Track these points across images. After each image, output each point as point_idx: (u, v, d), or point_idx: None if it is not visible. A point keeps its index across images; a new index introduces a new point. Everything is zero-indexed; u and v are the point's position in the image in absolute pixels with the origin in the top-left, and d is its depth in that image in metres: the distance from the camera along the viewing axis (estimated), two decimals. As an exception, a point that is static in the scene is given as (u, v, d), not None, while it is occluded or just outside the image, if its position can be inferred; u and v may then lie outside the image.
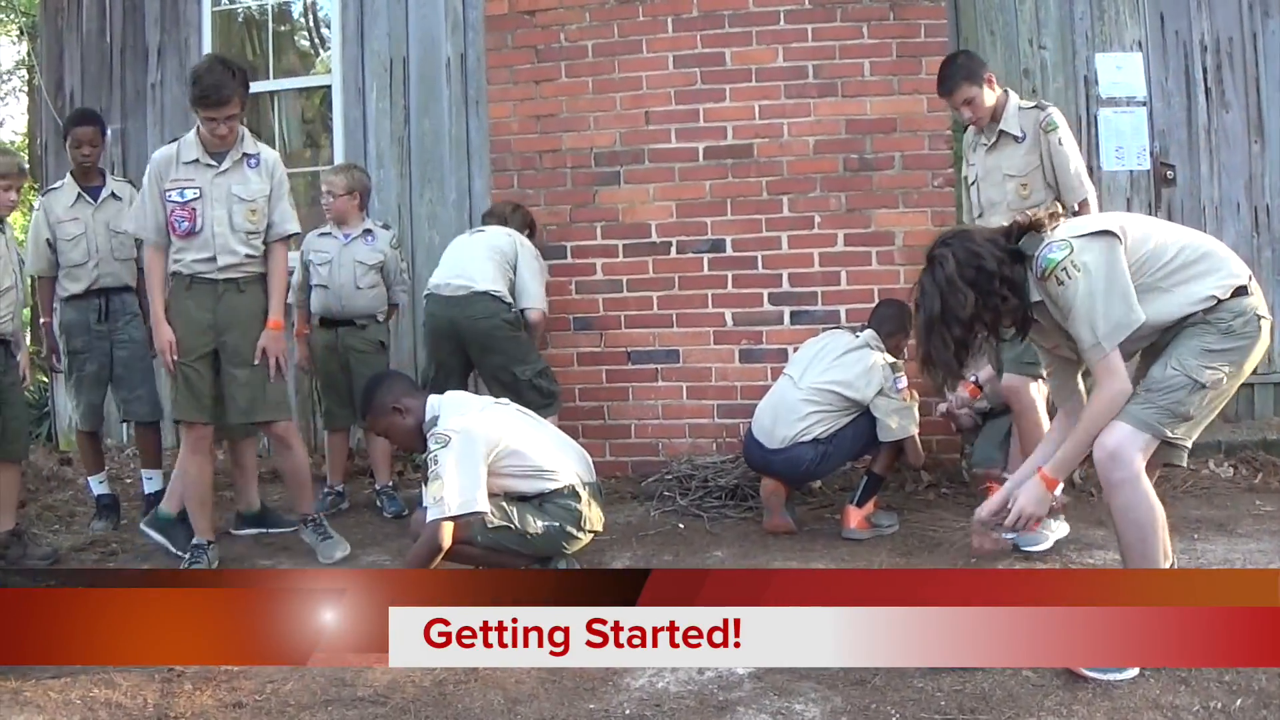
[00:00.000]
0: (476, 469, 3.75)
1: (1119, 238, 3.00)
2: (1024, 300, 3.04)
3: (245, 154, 4.35)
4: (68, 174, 5.28)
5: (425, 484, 3.76)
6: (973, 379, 4.82)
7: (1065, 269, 2.95)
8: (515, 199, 5.62)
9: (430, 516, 3.68)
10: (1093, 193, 4.33)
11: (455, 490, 3.68)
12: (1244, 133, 5.75)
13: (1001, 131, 4.33)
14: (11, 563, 4.56)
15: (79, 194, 5.17)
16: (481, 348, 5.05)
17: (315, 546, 4.57)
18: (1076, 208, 4.26)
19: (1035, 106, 4.36)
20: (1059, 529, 4.10)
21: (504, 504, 3.81)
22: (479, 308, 5.01)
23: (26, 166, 4.71)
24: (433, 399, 3.98)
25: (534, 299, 5.17)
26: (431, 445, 3.78)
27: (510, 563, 3.85)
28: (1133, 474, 2.97)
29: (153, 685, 3.30)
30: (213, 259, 4.29)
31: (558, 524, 3.86)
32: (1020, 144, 4.30)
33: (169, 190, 4.25)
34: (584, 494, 3.94)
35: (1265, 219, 5.74)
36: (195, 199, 4.23)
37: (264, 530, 5.01)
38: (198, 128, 4.28)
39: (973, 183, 4.48)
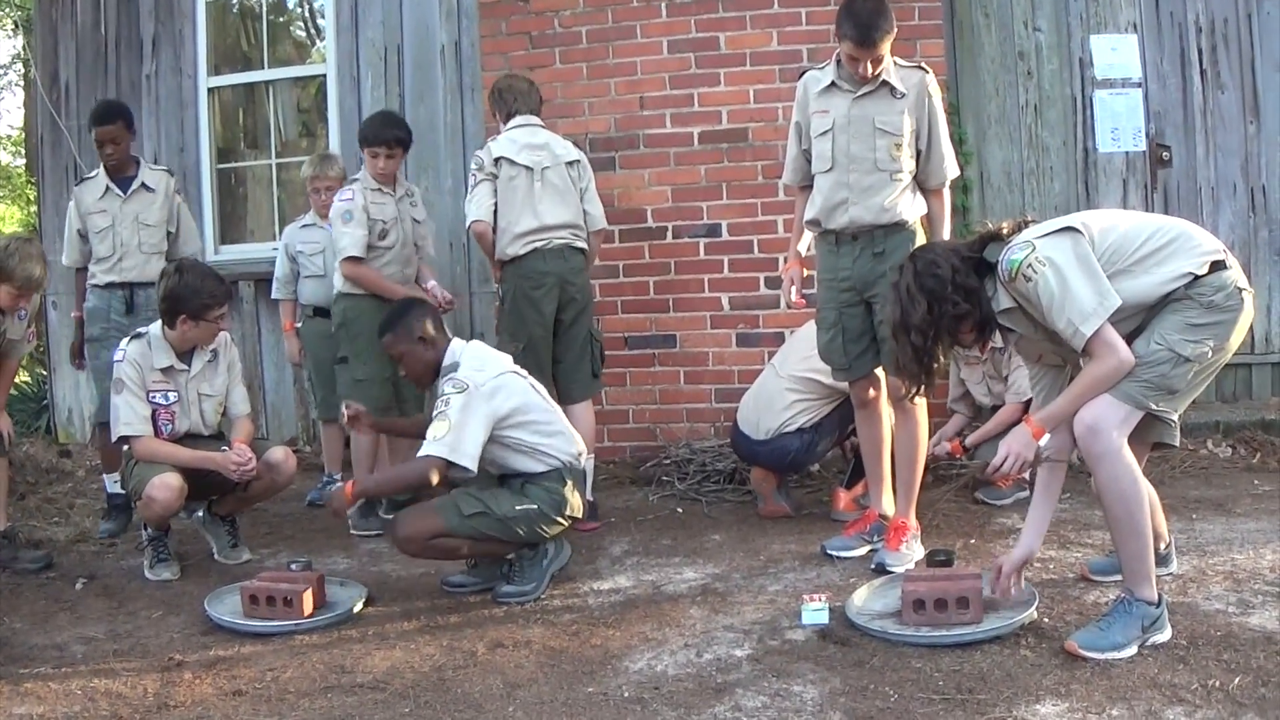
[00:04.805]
0: (480, 428, 3.74)
1: (1081, 232, 3.05)
2: (980, 308, 3.13)
3: (212, 349, 4.52)
4: (100, 164, 5.17)
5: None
6: (957, 436, 4.82)
7: (1031, 265, 3.01)
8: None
9: (424, 451, 3.70)
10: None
11: (455, 438, 3.68)
12: (1239, 114, 5.72)
13: (884, 83, 3.90)
14: (2, 564, 4.42)
15: (108, 186, 5.08)
16: (580, 309, 4.88)
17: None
18: (944, 190, 4.04)
19: (916, 67, 3.98)
20: (917, 549, 3.99)
21: (474, 493, 3.80)
22: (579, 260, 4.88)
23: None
24: (456, 343, 3.95)
25: (601, 218, 4.99)
26: (446, 387, 3.78)
27: (498, 550, 3.84)
28: (1113, 447, 3.00)
29: (152, 674, 3.31)
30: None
31: (536, 507, 3.81)
32: (901, 100, 3.89)
33: (152, 393, 4.38)
34: (569, 480, 3.91)
35: (1261, 199, 5.72)
36: (176, 402, 4.43)
37: None
38: (164, 329, 4.39)
39: (824, 132, 3.98)
